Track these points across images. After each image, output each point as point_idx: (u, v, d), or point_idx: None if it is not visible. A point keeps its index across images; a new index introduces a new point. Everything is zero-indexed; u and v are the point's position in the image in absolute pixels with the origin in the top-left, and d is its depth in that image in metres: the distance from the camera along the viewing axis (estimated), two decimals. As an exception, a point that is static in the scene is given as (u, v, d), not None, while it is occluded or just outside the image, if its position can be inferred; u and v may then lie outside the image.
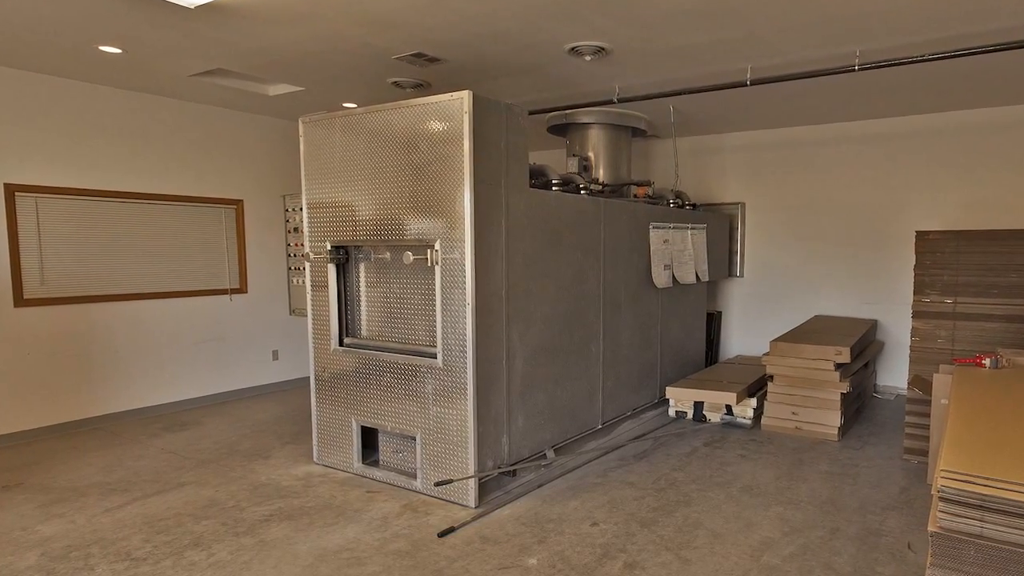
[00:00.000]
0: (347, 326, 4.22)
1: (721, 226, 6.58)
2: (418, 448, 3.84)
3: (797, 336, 5.30)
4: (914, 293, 4.71)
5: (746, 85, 4.66)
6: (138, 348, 5.50)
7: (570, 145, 5.99)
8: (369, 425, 4.07)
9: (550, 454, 4.13)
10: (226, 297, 6.10)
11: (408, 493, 3.85)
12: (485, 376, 3.65)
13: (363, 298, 4.17)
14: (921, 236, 4.82)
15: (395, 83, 5.04)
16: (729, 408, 5.29)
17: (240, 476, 4.15)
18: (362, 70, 4.71)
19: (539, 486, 3.97)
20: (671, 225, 5.56)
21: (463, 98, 3.45)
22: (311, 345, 4.30)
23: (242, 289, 6.22)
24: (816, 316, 6.63)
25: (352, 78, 4.92)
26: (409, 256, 3.57)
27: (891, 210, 6.26)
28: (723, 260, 6.67)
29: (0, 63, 4.59)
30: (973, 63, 4.44)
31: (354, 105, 5.78)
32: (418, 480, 3.86)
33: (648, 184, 5.80)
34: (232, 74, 5.04)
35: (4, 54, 4.38)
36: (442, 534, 3.31)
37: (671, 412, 5.53)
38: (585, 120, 5.77)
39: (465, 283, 3.53)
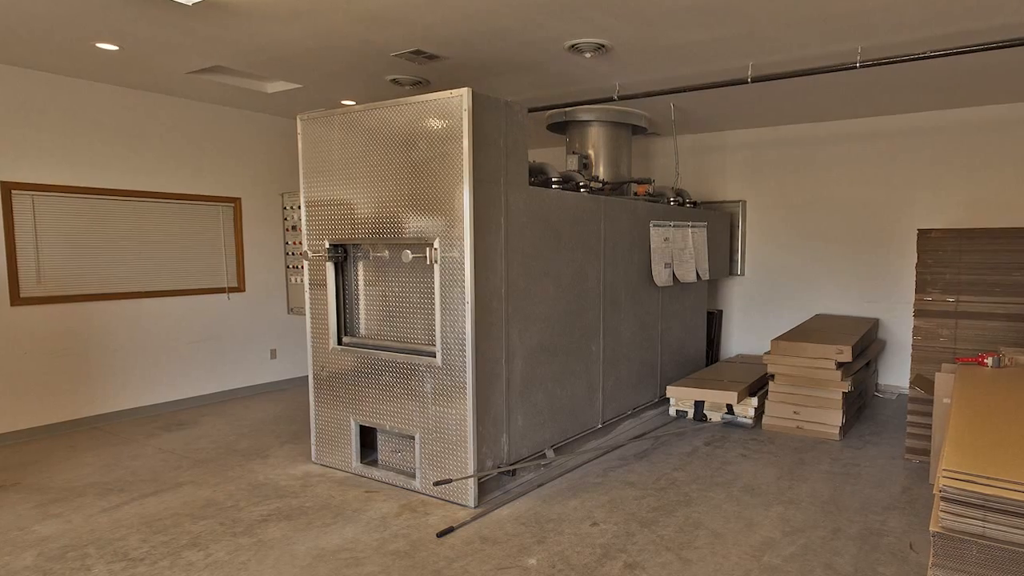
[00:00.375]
0: (346, 325, 4.20)
1: (722, 224, 6.56)
2: (417, 448, 3.82)
3: (798, 335, 5.28)
4: (916, 292, 4.69)
5: (747, 82, 4.64)
6: (135, 347, 5.48)
7: (570, 143, 5.97)
8: (368, 424, 4.05)
9: (550, 454, 4.11)
10: (224, 296, 6.08)
11: (407, 493, 3.83)
12: (484, 375, 3.63)
13: (362, 297, 4.15)
14: (923, 234, 4.79)
15: (394, 80, 5.01)
16: (730, 407, 5.28)
17: (238, 476, 4.13)
18: (361, 67, 4.69)
19: (539, 486, 3.95)
20: (672, 223, 5.54)
21: (462, 95, 3.43)
22: (309, 344, 4.28)
23: (240, 288, 6.20)
24: (817, 315, 6.61)
25: (350, 75, 4.89)
26: (408, 254, 3.54)
27: (893, 208, 6.23)
28: (724, 258, 6.65)
29: (-4, 60, 4.57)
30: (976, 60, 4.42)
31: (352, 102, 5.76)
32: (417, 480, 3.84)
33: (648, 182, 5.77)
34: (230, 71, 5.01)
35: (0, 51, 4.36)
36: (441, 534, 3.29)
37: (672, 411, 5.51)
38: (585, 118, 5.75)
39: (464, 282, 3.50)
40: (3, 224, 4.70)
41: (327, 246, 4.09)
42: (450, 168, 3.51)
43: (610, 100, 5.28)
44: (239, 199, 6.15)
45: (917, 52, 4.13)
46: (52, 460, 4.44)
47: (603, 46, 4.17)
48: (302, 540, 3.24)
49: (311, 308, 4.25)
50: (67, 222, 5.05)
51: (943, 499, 1.84)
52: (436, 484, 3.62)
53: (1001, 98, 5.47)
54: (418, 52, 4.31)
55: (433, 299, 3.81)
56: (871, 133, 6.26)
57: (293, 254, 6.33)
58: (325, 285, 4.15)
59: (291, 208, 6.25)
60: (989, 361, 3.48)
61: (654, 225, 5.28)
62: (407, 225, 3.72)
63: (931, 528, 1.86)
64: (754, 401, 5.24)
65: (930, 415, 4.24)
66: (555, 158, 8.24)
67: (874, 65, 4.20)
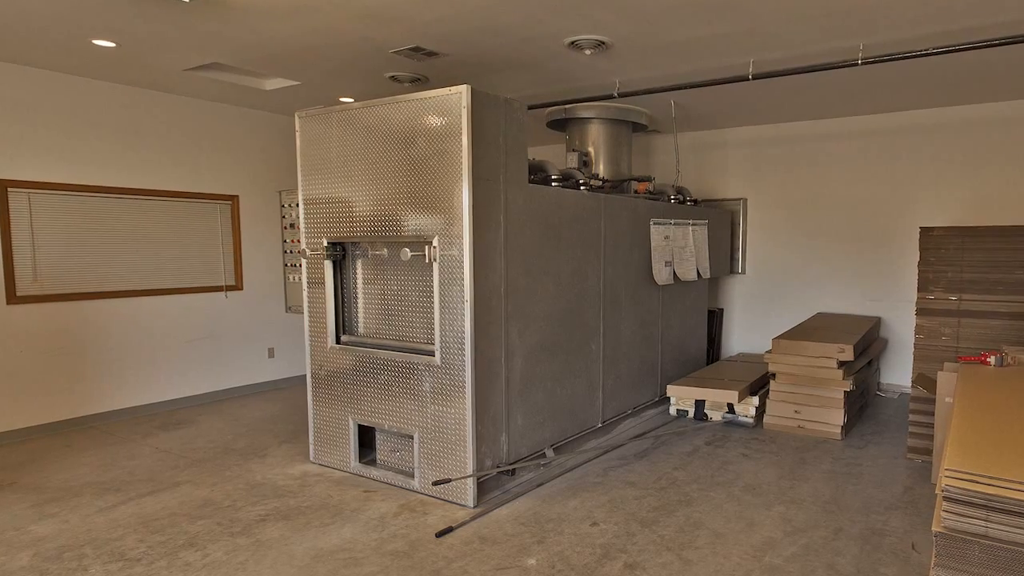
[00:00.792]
0: (344, 323, 4.18)
1: (723, 222, 6.54)
2: (416, 447, 3.79)
3: (800, 333, 5.25)
4: (918, 290, 4.66)
5: (748, 79, 4.62)
6: (132, 346, 5.45)
7: (570, 140, 5.94)
8: (366, 424, 4.03)
9: (549, 453, 4.09)
10: (221, 294, 6.05)
11: (406, 493, 3.81)
12: (484, 374, 3.60)
13: (360, 295, 4.12)
14: (925, 232, 4.77)
15: (392, 77, 4.99)
16: (731, 406, 5.25)
17: (236, 475, 4.11)
18: (359, 64, 4.66)
19: (538, 485, 3.93)
20: (672, 221, 5.51)
21: (461, 93, 3.40)
22: (307, 343, 4.26)
23: (237, 286, 6.17)
24: (819, 313, 6.59)
25: (349, 72, 4.87)
26: (407, 252, 3.52)
27: (895, 206, 6.21)
28: (725, 257, 6.62)
29: (-8, 57, 4.55)
30: (979, 57, 4.40)
31: (351, 100, 5.73)
32: (416, 479, 3.82)
33: (649, 180, 5.75)
34: (227, 68, 4.99)
35: (-4, 48, 4.34)
36: (440, 534, 3.27)
37: (672, 410, 5.49)
38: (585, 115, 5.73)
39: (463, 280, 3.48)
40: (-1, 222, 4.68)
41: (325, 244, 4.07)
42: (449, 165, 3.48)
43: (610, 97, 5.26)
44: (237, 197, 6.13)
45: (919, 49, 4.10)
46: (48, 460, 4.42)
47: (603, 43, 4.15)
48: (300, 540, 3.22)
49: (309, 307, 4.22)
50: (64, 220, 5.02)
51: (945, 499, 1.84)
52: (435, 484, 3.60)
53: (1003, 95, 5.44)
54: (417, 49, 4.28)
55: (432, 297, 3.78)
56: (873, 130, 6.24)
57: (291, 252, 6.30)
58: (323, 283, 4.13)
59: (289, 206, 6.22)
60: (992, 360, 3.46)
61: (654, 223, 5.26)
62: (406, 223, 3.70)
63: (933, 528, 1.86)
64: (755, 400, 5.22)
65: (932, 414, 4.22)
66: (555, 156, 8.22)
67: (876, 62, 4.17)
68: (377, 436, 4.14)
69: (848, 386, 4.80)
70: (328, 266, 4.10)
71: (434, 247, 3.57)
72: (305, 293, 4.24)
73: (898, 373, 6.34)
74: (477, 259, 3.50)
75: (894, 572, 2.92)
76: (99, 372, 5.26)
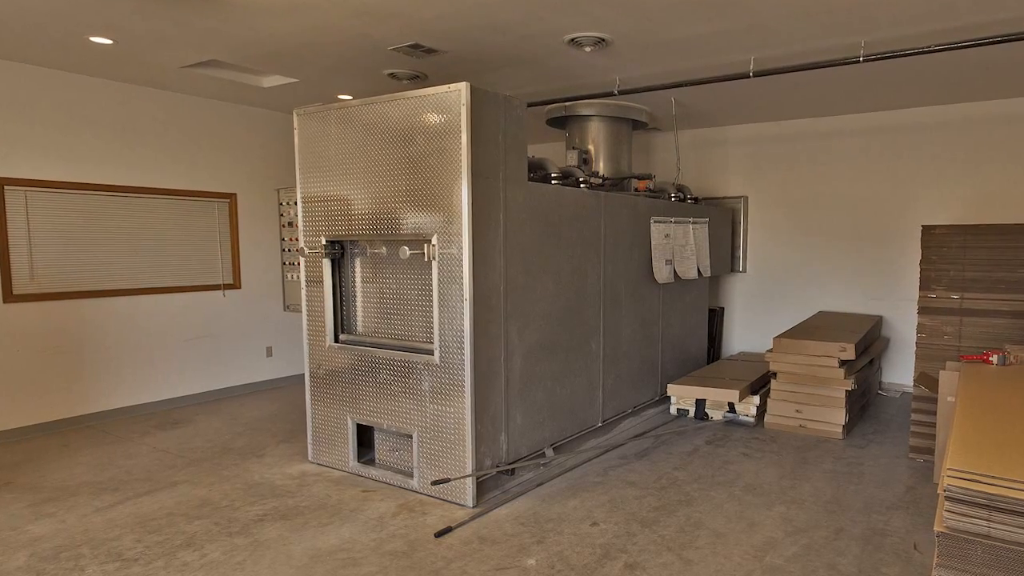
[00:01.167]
0: (342, 322, 4.16)
1: (723, 220, 6.52)
2: (415, 446, 3.77)
3: (801, 332, 5.24)
4: (920, 288, 4.64)
5: (749, 77, 4.60)
6: (129, 345, 5.43)
7: (569, 138, 5.92)
8: (365, 423, 4.01)
9: (549, 453, 4.07)
10: (219, 293, 6.03)
11: (404, 492, 3.79)
12: (483, 373, 3.58)
13: (359, 294, 4.10)
14: (927, 231, 4.75)
15: (391, 75, 4.96)
16: (731, 406, 5.24)
17: (233, 475, 4.09)
18: (357, 61, 4.64)
19: (538, 485, 3.91)
20: (672, 219, 5.49)
21: (460, 90, 3.38)
22: (306, 341, 4.24)
23: (235, 284, 6.15)
24: (820, 312, 6.57)
25: (347, 70, 4.84)
26: (405, 251, 3.50)
27: (896, 204, 6.19)
28: (725, 255, 6.60)
29: (-12, 54, 4.52)
30: (980, 54, 4.38)
31: (349, 97, 5.71)
32: (415, 479, 3.80)
33: (649, 177, 5.73)
34: (225, 65, 4.96)
35: (-8, 45, 4.31)
36: (439, 534, 3.25)
37: (672, 410, 5.47)
38: (585, 112, 5.70)
39: (462, 278, 3.46)
40: (-4, 220, 4.66)
41: (324, 242, 4.05)
42: (448, 163, 3.46)
43: (610, 95, 5.23)
44: (235, 195, 6.11)
45: (921, 46, 4.08)
46: (45, 459, 4.40)
47: (603, 40, 4.12)
48: (298, 540, 3.20)
49: (307, 305, 4.20)
50: (60, 218, 5.00)
51: (947, 499, 1.83)
52: (434, 483, 3.58)
53: (1005, 93, 5.42)
54: (416, 46, 4.26)
55: (431, 296, 3.76)
56: (874, 128, 6.22)
57: (289, 251, 6.28)
58: (322, 282, 4.11)
59: (287, 204, 6.20)
60: (994, 359, 3.44)
61: (655, 221, 5.24)
62: (405, 221, 3.68)
63: (935, 528, 1.85)
64: (756, 399, 5.20)
65: (934, 413, 4.20)
66: (555, 153, 8.20)
67: (878, 59, 4.15)
68: (376, 435, 4.12)
69: (850, 385, 4.78)
70: (326, 265, 4.08)
71: (433, 245, 3.55)
72: (303, 292, 4.22)
73: (900, 372, 6.32)
74: (476, 257, 3.48)
75: (896, 572, 2.90)
76: (96, 371, 5.24)
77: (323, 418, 4.21)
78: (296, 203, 5.17)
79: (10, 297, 4.74)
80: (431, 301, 3.77)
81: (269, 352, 6.48)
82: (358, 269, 4.09)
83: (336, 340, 4.13)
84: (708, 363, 6.70)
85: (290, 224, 6.19)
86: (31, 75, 4.80)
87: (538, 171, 4.36)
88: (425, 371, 3.69)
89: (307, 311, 4.21)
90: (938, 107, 5.91)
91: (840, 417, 4.82)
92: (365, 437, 4.25)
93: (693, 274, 5.75)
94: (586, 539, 3.22)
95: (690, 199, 6.12)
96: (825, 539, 3.22)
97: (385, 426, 3.91)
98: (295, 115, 4.10)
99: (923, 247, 4.74)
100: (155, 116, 5.52)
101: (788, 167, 6.70)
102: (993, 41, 3.84)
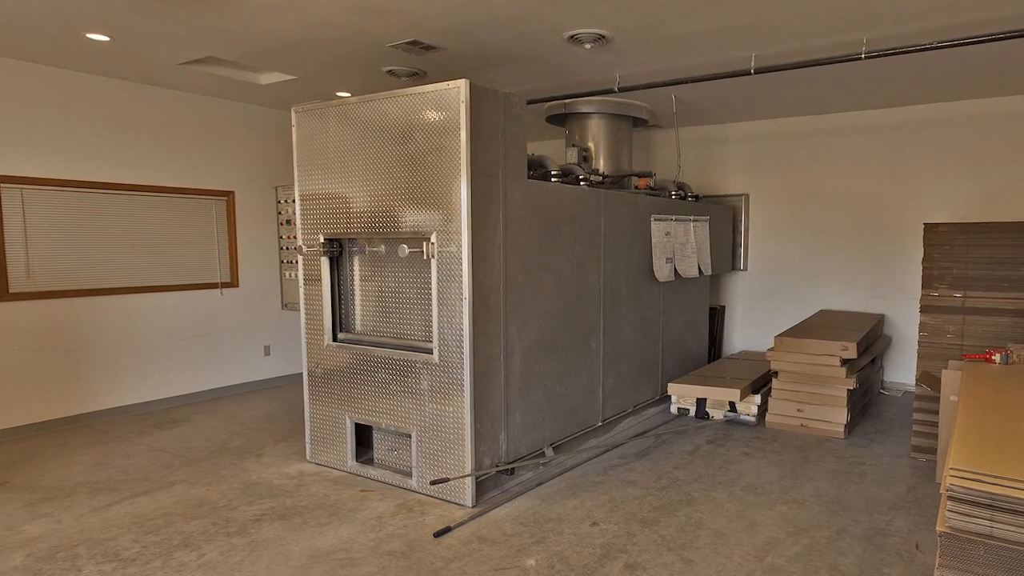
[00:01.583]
0: (341, 321, 4.14)
1: (724, 218, 6.49)
2: (414, 446, 3.75)
3: (802, 331, 5.21)
4: (922, 287, 4.62)
5: (750, 74, 4.58)
6: (126, 343, 5.41)
7: (569, 135, 5.90)
8: (363, 422, 3.99)
9: (549, 452, 4.05)
10: (217, 291, 6.01)
11: (403, 492, 3.77)
12: (482, 372, 3.56)
13: (357, 292, 4.08)
14: (929, 229, 4.72)
15: (390, 72, 4.94)
16: (732, 405, 5.22)
17: (231, 475, 4.07)
18: (356, 58, 4.61)
19: (538, 485, 3.89)
20: (673, 217, 5.47)
21: (460, 87, 3.36)
22: (304, 340, 4.21)
23: (233, 283, 6.13)
24: (822, 310, 6.55)
25: (346, 67, 4.82)
26: (404, 249, 3.48)
27: (899, 202, 6.17)
28: (726, 253, 6.58)
29: (-16, 51, 4.49)
30: (983, 51, 4.36)
31: (348, 94, 5.68)
32: (413, 479, 3.78)
33: (650, 175, 5.71)
34: (223, 62, 4.94)
35: (-12, 41, 4.28)
36: (438, 534, 3.23)
37: (673, 409, 5.45)
38: (585, 110, 5.68)
39: (462, 277, 3.44)
40: (-8, 218, 4.64)
41: (322, 240, 4.02)
42: (447, 161, 3.44)
43: (610, 92, 5.20)
44: (232, 192, 6.08)
45: (923, 43, 4.06)
46: (41, 459, 4.38)
47: (603, 37, 4.10)
48: (297, 540, 3.18)
49: (306, 304, 4.18)
50: (57, 216, 4.98)
51: (950, 498, 1.82)
52: (433, 483, 3.56)
53: (1008, 90, 5.40)
54: (415, 43, 4.23)
55: (430, 295, 3.74)
56: (876, 125, 6.19)
57: (287, 249, 6.26)
58: (320, 280, 4.09)
59: (285, 202, 6.18)
60: (997, 358, 3.43)
61: (655, 219, 5.22)
62: (403, 219, 3.65)
63: (938, 528, 1.84)
64: (757, 399, 5.18)
65: (936, 413, 4.18)
66: (554, 151, 8.17)
67: (879, 56, 4.13)
68: (374, 435, 4.10)
69: (851, 384, 4.76)
70: (325, 263, 4.05)
71: (432, 243, 3.52)
72: (302, 290, 4.19)
73: (902, 371, 6.30)
74: (476, 256, 3.46)
75: (898, 572, 2.88)
76: (93, 370, 5.22)
77: (321, 417, 4.19)
78: (294, 201, 5.14)
79: (6, 295, 4.71)
80: (430, 300, 3.74)
81: (267, 351, 6.46)
82: (357, 267, 4.07)
83: (334, 339, 4.11)
84: (709, 362, 6.68)
85: (288, 222, 6.17)
86: (27, 72, 4.77)
87: (538, 169, 4.33)
88: (424, 370, 3.66)
89: (305, 310, 4.19)
90: (940, 104, 5.89)
91: (842, 416, 4.80)
92: (364, 436, 4.23)
93: (694, 272, 5.73)
94: (586, 539, 3.20)
95: (691, 197, 6.09)
96: (827, 539, 3.21)
97: (384, 425, 3.89)
98: (293, 112, 4.07)
99: (925, 245, 4.71)
100: (152, 113, 5.49)
101: (789, 165, 6.68)
102: (995, 38, 3.82)
